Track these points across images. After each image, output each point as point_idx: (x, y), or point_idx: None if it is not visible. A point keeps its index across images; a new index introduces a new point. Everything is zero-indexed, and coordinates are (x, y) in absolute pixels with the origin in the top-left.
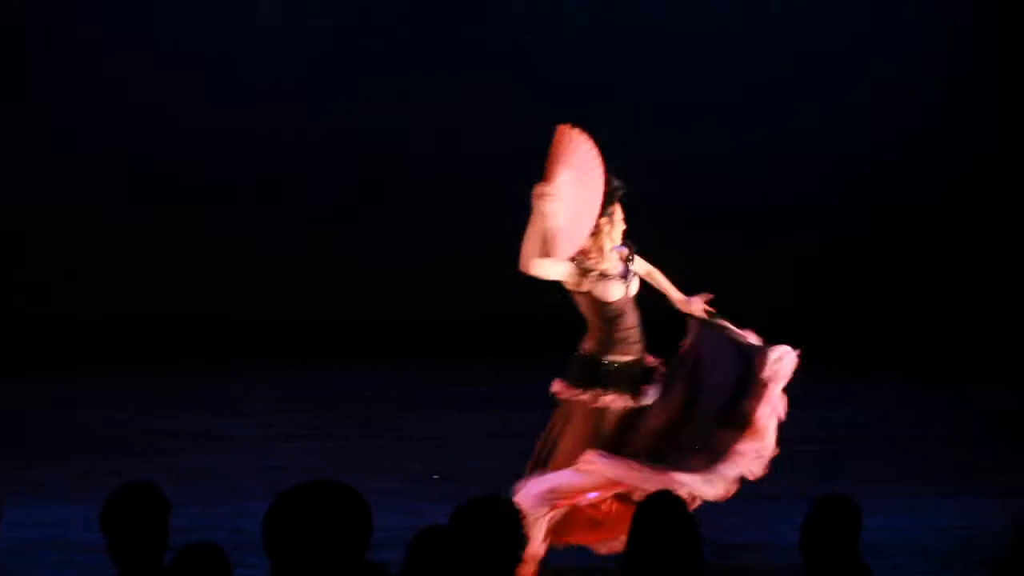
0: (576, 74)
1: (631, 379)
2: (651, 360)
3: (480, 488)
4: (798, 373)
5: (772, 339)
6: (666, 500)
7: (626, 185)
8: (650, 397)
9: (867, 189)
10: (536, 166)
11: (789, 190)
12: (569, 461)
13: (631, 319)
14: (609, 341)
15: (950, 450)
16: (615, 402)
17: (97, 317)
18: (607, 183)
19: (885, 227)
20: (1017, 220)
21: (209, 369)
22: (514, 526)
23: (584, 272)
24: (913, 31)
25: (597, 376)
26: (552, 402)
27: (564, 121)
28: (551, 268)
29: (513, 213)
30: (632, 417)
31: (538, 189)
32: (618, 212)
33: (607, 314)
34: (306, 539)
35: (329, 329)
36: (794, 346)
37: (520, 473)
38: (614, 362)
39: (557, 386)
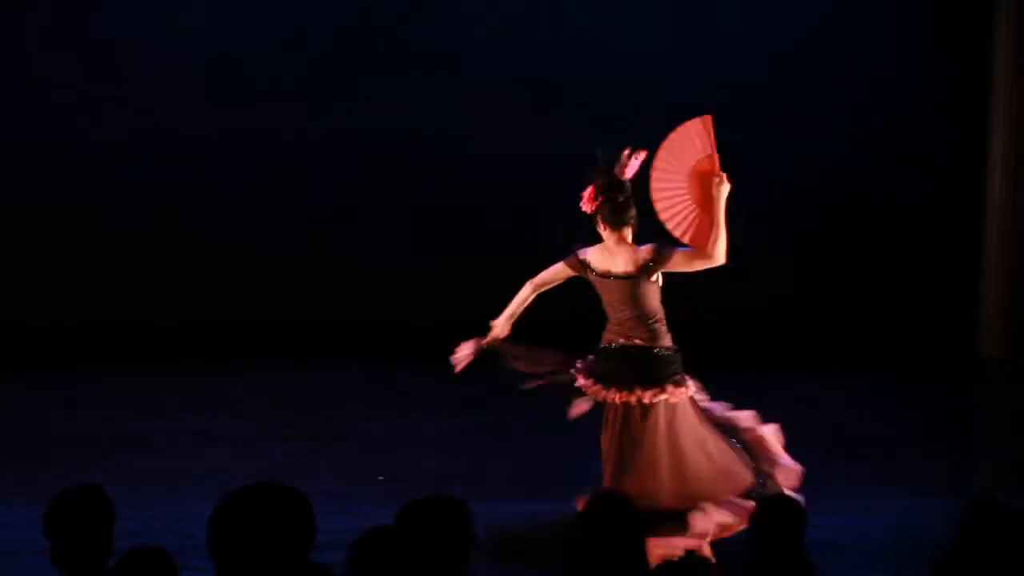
0: (576, 74)
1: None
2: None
3: (462, 489)
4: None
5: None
6: (613, 499)
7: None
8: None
9: (868, 189)
10: (535, 165)
11: (789, 190)
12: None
13: None
14: (662, 328)
15: (935, 449)
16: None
17: (97, 318)
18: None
19: (886, 227)
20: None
21: (209, 369)
22: (461, 526)
23: None
24: (914, 31)
25: (665, 366)
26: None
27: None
28: None
29: (513, 213)
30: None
31: (720, 178)
32: None
33: (659, 300)
34: (249, 541)
35: (329, 329)
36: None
37: (510, 474)
38: (669, 348)
39: (639, 393)
